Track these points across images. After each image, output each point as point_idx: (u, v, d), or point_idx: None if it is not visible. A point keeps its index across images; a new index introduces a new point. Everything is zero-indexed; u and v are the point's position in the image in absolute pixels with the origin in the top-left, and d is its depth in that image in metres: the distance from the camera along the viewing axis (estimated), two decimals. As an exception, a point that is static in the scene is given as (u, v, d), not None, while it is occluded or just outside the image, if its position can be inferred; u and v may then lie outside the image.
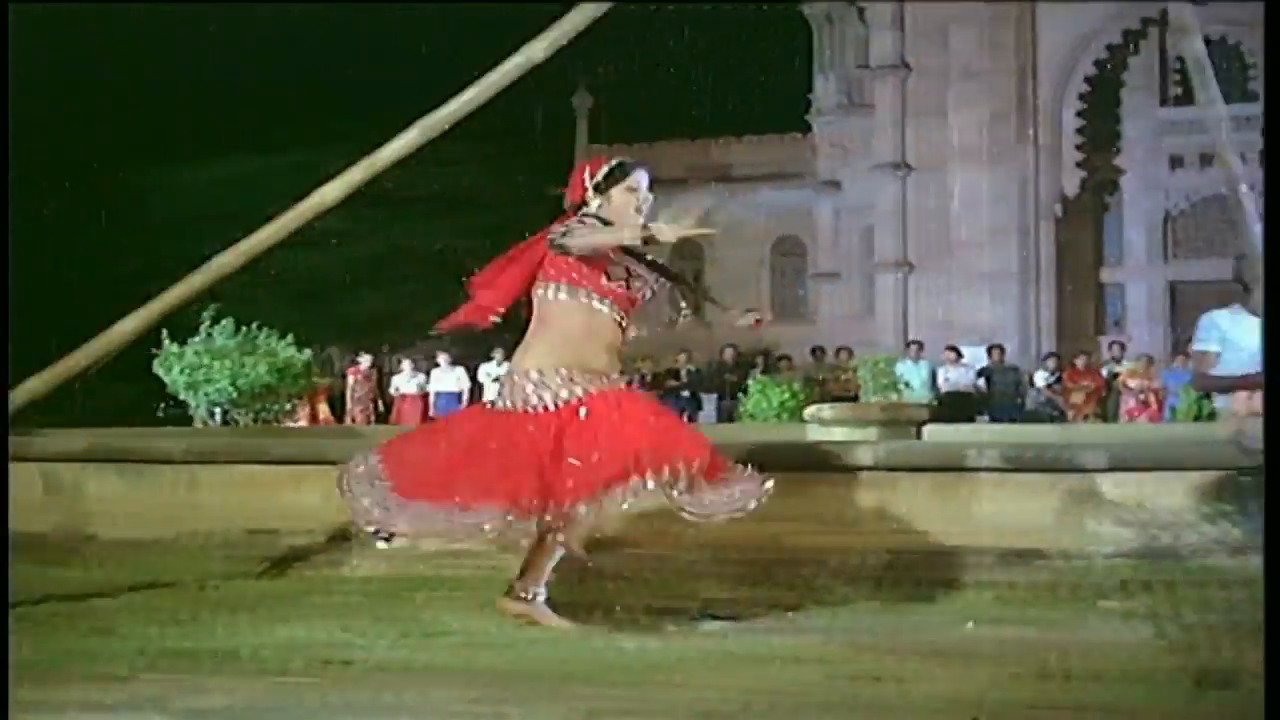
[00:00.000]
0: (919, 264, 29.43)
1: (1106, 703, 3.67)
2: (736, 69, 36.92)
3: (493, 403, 4.90)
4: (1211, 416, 17.80)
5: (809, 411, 10.89)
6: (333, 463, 5.02)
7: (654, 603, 5.21)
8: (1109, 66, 29.38)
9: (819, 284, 31.98)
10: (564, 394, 4.65)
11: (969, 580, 5.60)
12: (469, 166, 36.62)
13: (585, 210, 4.86)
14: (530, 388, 4.68)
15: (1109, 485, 6.12)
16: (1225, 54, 29.14)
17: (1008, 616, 4.99)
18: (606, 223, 4.81)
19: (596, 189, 4.86)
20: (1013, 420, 18.47)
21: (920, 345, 20.26)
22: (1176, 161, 29.07)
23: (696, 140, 33.73)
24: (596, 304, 4.78)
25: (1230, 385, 6.08)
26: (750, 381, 17.28)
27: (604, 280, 4.78)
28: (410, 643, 4.53)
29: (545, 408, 4.65)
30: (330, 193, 5.86)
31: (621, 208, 4.85)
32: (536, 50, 5.87)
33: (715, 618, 4.99)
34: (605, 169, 4.91)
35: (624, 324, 4.83)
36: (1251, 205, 5.52)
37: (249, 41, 29.28)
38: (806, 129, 32.42)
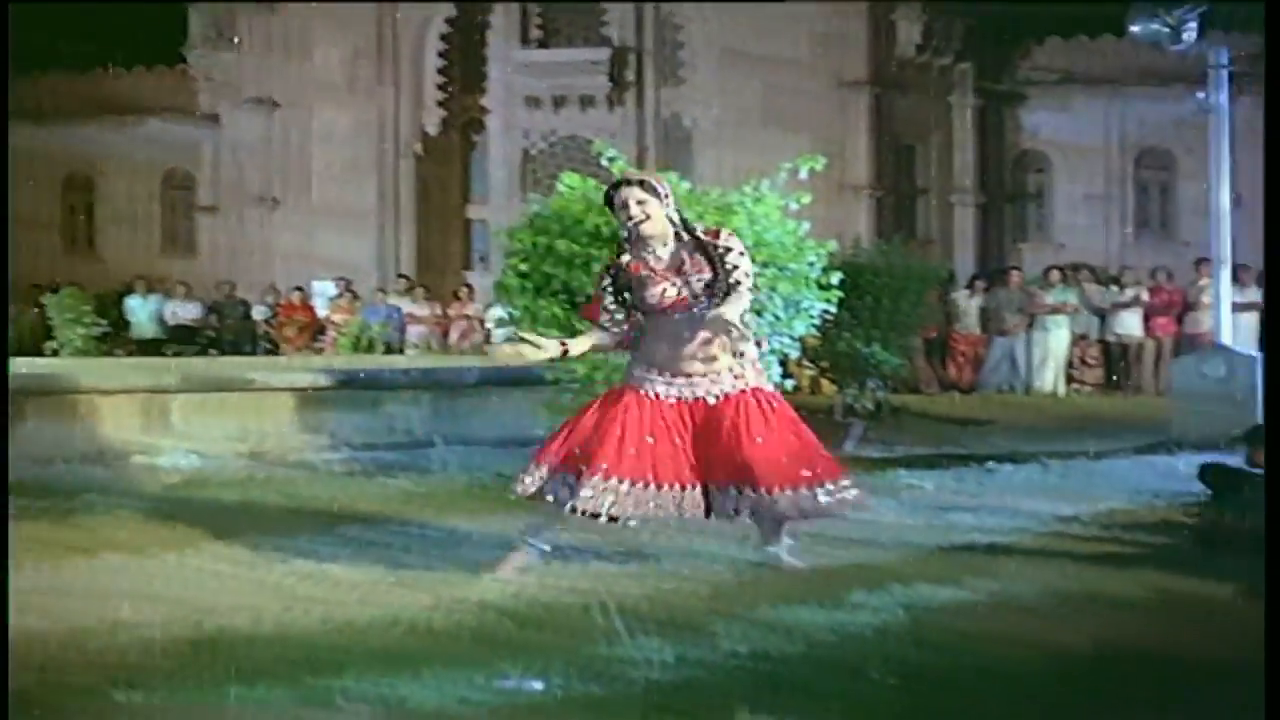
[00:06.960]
0: (284, 199, 29.95)
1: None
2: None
3: None
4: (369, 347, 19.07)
5: None
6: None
7: None
8: (471, 10, 30.42)
9: (202, 217, 32.07)
10: None
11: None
12: None
13: None
14: None
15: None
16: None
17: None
18: None
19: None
20: (239, 352, 19.30)
21: (148, 280, 20.77)
22: (533, 102, 30.41)
23: (86, 72, 33.17)
24: None
25: None
26: None
27: None
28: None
29: None
30: None
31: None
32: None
33: None
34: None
35: None
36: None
37: None
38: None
